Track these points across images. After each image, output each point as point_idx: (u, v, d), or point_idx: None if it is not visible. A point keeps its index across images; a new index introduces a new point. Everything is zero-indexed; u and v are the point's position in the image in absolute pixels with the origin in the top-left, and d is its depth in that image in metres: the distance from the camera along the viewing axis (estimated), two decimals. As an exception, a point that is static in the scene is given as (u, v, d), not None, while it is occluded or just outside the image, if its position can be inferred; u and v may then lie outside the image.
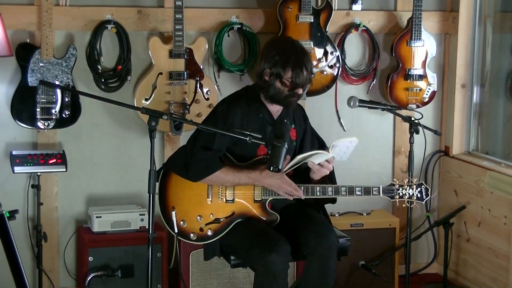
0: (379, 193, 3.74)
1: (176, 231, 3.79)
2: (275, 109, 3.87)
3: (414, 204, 3.76)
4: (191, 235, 3.80)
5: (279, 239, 3.64)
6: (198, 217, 3.80)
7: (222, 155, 3.78)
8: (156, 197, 3.79)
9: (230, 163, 3.78)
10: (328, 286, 3.72)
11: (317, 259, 3.68)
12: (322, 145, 4.01)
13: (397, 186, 3.76)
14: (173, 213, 3.79)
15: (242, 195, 3.81)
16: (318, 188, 3.74)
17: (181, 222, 3.80)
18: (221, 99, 4.61)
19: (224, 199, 3.80)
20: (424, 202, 3.79)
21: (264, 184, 3.74)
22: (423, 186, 3.77)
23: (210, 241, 3.82)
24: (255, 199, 3.81)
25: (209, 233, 3.80)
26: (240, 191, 3.80)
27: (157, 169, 3.84)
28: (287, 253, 3.63)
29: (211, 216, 3.80)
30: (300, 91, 3.77)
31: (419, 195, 3.75)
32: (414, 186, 3.76)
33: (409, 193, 3.75)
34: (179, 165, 3.77)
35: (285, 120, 3.90)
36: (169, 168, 3.85)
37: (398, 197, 3.74)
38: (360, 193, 3.72)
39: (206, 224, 3.79)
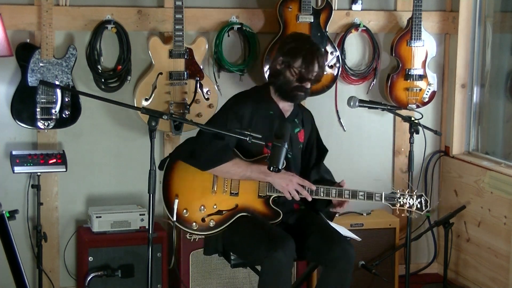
0: (381, 200, 3.75)
1: (174, 219, 3.75)
2: (286, 108, 3.87)
3: (413, 214, 3.78)
4: (193, 224, 3.76)
5: (285, 236, 3.62)
6: (201, 207, 3.77)
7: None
8: (160, 185, 3.78)
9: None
10: None
11: (336, 272, 3.67)
12: (318, 158, 4.01)
13: (398, 194, 3.78)
14: (176, 201, 3.75)
15: (246, 189, 3.78)
16: (322, 189, 3.72)
17: (184, 211, 3.76)
18: (221, 99, 4.63)
19: (229, 192, 3.77)
20: (422, 213, 3.81)
21: (275, 179, 3.71)
22: (423, 197, 3.79)
23: (211, 232, 3.78)
24: (259, 194, 3.78)
25: (211, 224, 3.77)
26: (245, 185, 3.78)
27: (157, 167, 3.84)
28: (292, 251, 3.61)
29: (214, 207, 3.78)
30: (308, 85, 3.80)
31: (418, 206, 3.78)
32: (415, 197, 3.78)
33: (409, 203, 3.77)
34: (188, 153, 3.73)
35: (295, 120, 3.91)
36: (177, 156, 3.78)
37: (399, 205, 3.76)
38: (362, 198, 3.74)
39: (209, 215, 3.77)
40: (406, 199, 3.76)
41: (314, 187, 3.71)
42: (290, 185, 3.69)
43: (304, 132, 3.96)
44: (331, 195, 3.72)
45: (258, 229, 3.71)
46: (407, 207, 3.76)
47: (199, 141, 3.73)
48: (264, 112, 3.82)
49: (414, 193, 3.77)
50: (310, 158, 3.98)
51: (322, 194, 3.72)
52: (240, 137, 3.43)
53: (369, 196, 3.74)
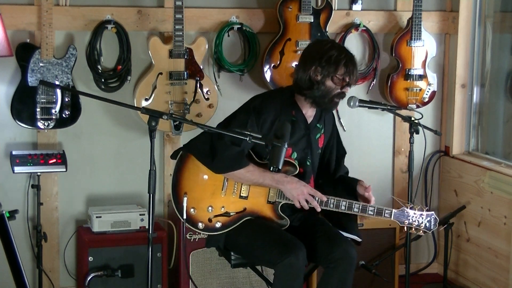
0: (391, 217, 3.73)
1: (184, 217, 3.75)
2: (309, 114, 3.84)
3: (421, 232, 3.77)
4: (199, 224, 3.76)
5: (296, 241, 3.62)
6: (209, 208, 3.76)
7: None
8: (170, 178, 3.76)
9: (251, 160, 3.75)
10: None
11: (337, 273, 3.67)
12: (338, 159, 4.01)
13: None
14: (185, 199, 3.75)
15: (256, 194, 3.77)
16: (332, 201, 3.70)
17: (191, 210, 3.76)
18: (221, 99, 4.63)
19: (238, 194, 3.77)
20: (430, 232, 3.79)
21: (286, 188, 3.70)
22: (432, 216, 3.77)
23: (216, 233, 3.78)
24: (269, 200, 3.77)
25: (217, 225, 3.77)
26: (255, 189, 3.77)
27: (170, 157, 3.82)
28: (304, 256, 3.61)
29: (222, 208, 3.77)
30: (348, 90, 3.78)
31: (427, 225, 3.75)
32: (425, 215, 3.75)
33: (418, 221, 3.75)
34: (204, 153, 3.70)
35: (317, 125, 3.89)
36: (192, 153, 3.76)
37: (407, 223, 3.75)
38: (372, 213, 3.72)
39: (216, 216, 3.76)
40: (416, 217, 3.75)
41: (324, 198, 3.70)
42: (301, 196, 3.69)
43: (324, 135, 3.95)
44: (341, 207, 3.70)
45: (268, 232, 3.71)
46: (415, 226, 3.74)
47: (215, 143, 3.68)
48: (286, 116, 3.77)
49: (425, 210, 3.75)
50: (330, 158, 3.97)
51: (331, 206, 3.71)
52: (241, 138, 3.42)
53: (379, 212, 3.72)
